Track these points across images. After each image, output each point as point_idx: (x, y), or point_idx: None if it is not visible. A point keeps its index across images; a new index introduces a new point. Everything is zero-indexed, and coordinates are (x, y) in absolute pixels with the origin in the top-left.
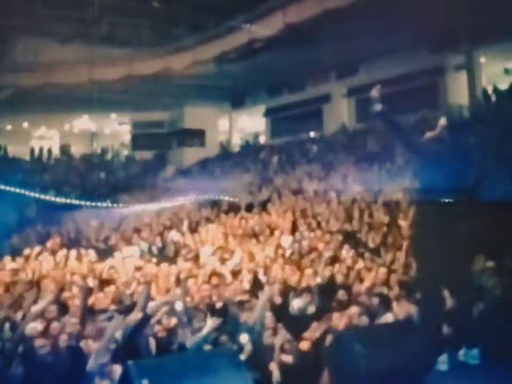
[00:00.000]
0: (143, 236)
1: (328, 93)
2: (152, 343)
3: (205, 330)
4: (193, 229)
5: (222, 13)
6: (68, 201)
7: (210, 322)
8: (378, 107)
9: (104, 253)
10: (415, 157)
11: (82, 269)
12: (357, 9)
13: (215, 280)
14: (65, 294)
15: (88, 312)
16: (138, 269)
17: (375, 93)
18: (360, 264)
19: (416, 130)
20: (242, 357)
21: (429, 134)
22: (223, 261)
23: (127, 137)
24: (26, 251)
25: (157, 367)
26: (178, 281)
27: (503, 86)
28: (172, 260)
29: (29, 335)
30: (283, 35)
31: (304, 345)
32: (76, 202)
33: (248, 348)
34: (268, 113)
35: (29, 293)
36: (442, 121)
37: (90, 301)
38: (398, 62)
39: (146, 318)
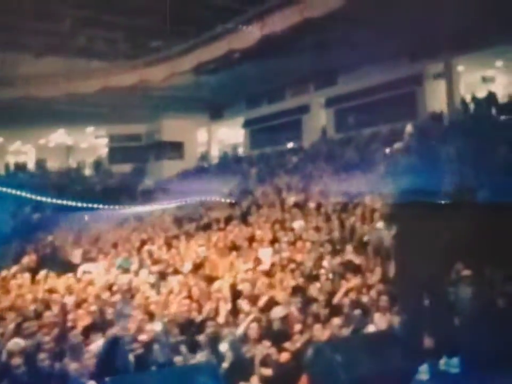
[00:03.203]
0: (121, 250)
1: (307, 104)
2: (131, 359)
3: None
4: (171, 243)
5: (199, 24)
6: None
7: None
8: None
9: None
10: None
11: (61, 287)
12: (335, 19)
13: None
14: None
15: (67, 330)
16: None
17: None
18: (341, 275)
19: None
20: (224, 365)
21: (397, 145)
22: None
23: (104, 151)
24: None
25: (136, 383)
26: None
27: (481, 94)
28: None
29: (10, 351)
30: (261, 46)
31: (285, 357)
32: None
33: (229, 356)
34: (247, 124)
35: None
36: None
37: (70, 318)
38: (376, 71)
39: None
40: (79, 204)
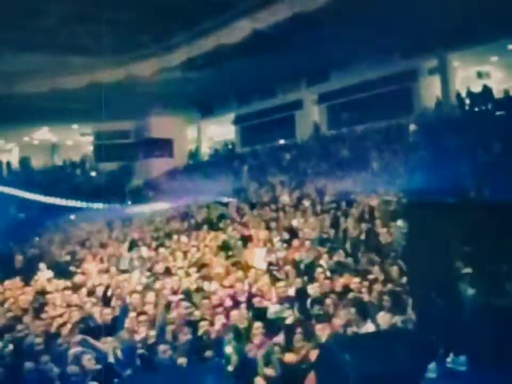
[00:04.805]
0: (110, 250)
1: (300, 100)
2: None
3: None
4: (163, 243)
5: (188, 19)
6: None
7: None
8: None
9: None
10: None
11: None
12: (327, 15)
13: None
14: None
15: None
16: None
17: None
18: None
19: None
20: (230, 368)
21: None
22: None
23: (90, 149)
24: None
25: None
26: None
27: (476, 89)
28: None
29: None
30: (252, 41)
31: (288, 357)
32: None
33: (234, 358)
34: (238, 120)
35: None
36: (412, 127)
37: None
38: (370, 67)
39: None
40: (66, 203)
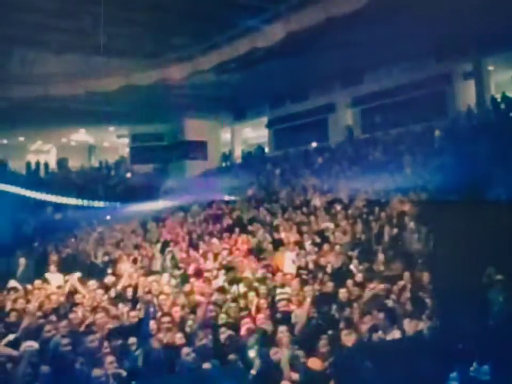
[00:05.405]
0: (143, 251)
1: (333, 103)
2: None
3: None
4: (195, 244)
5: (222, 22)
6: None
7: None
8: None
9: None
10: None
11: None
12: (361, 17)
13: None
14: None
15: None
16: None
17: None
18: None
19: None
20: (253, 372)
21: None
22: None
23: (126, 151)
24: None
25: None
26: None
27: (511, 94)
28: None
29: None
30: (285, 44)
31: (313, 362)
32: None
33: (257, 363)
34: (271, 123)
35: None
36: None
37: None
38: (404, 70)
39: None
40: (101, 204)
